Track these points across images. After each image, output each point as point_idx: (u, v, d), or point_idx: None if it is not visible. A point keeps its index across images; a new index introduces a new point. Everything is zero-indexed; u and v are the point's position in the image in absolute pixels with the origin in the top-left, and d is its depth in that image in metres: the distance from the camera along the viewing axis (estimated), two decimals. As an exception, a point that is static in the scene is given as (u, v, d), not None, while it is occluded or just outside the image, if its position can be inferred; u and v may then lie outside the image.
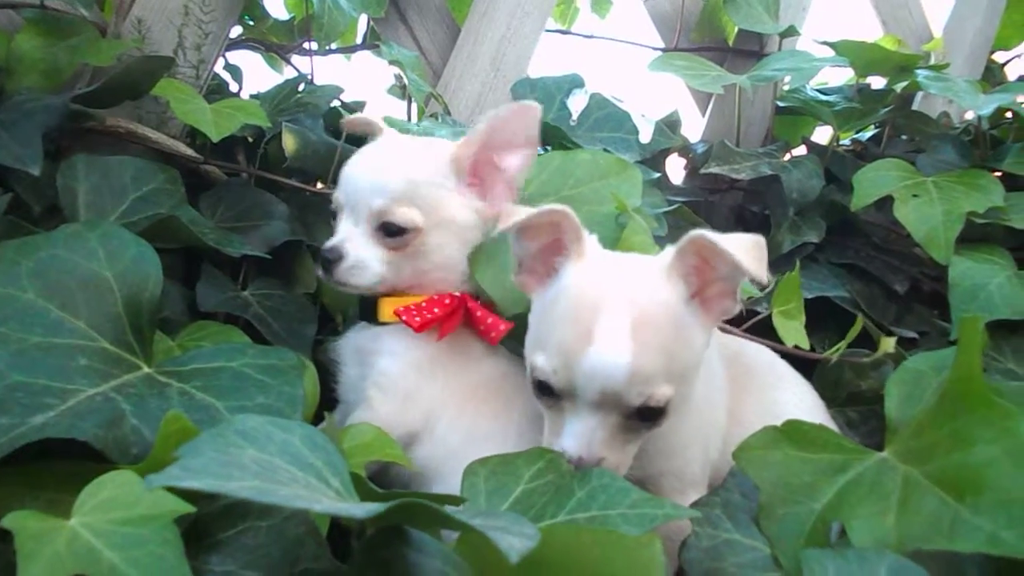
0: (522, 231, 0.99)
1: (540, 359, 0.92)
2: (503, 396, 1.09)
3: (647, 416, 0.90)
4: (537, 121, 1.08)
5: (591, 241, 0.98)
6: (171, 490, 0.69)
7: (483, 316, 1.09)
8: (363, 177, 1.10)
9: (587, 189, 1.13)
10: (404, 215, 1.07)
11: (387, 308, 1.11)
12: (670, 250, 0.92)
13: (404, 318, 1.06)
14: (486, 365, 1.12)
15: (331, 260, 1.08)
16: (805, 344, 1.17)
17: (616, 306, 0.89)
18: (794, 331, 1.15)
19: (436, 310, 1.08)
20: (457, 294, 1.10)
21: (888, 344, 1.12)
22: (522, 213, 0.96)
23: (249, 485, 0.58)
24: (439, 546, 0.68)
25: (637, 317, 0.88)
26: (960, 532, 0.72)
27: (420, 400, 1.08)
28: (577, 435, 0.91)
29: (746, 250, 0.87)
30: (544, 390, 0.94)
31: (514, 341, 1.08)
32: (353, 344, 1.16)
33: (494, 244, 1.11)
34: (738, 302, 0.94)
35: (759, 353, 1.25)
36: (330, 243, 1.10)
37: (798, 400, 1.19)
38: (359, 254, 1.09)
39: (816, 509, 0.85)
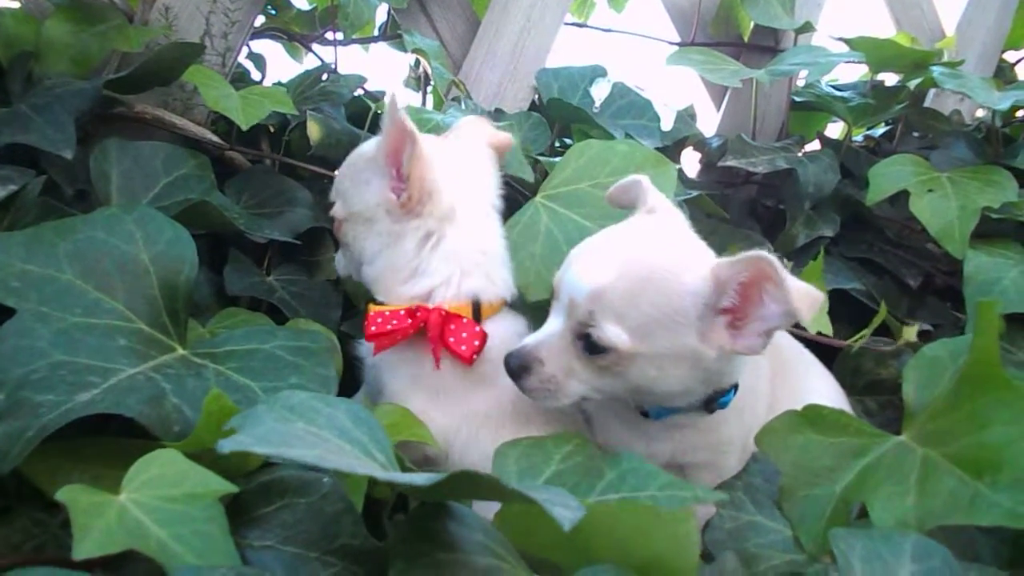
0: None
1: None
2: (519, 421, 1.05)
3: (592, 347, 0.92)
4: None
5: (663, 201, 1.03)
6: (216, 464, 0.71)
7: (456, 330, 1.05)
8: None
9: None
10: None
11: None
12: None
13: (367, 322, 1.06)
14: (499, 389, 1.06)
15: None
16: (829, 331, 1.18)
17: (629, 246, 0.95)
18: (818, 318, 1.17)
19: (392, 323, 1.05)
20: (430, 307, 1.06)
21: (910, 332, 1.14)
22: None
23: (311, 453, 0.59)
24: (480, 519, 0.69)
25: (637, 262, 0.92)
26: (979, 508, 0.75)
27: (430, 423, 1.03)
28: (533, 336, 0.98)
29: (803, 293, 0.83)
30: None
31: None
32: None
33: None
34: (762, 349, 0.90)
35: (792, 343, 1.26)
36: None
37: (825, 388, 1.21)
38: None
39: (836, 491, 0.87)
